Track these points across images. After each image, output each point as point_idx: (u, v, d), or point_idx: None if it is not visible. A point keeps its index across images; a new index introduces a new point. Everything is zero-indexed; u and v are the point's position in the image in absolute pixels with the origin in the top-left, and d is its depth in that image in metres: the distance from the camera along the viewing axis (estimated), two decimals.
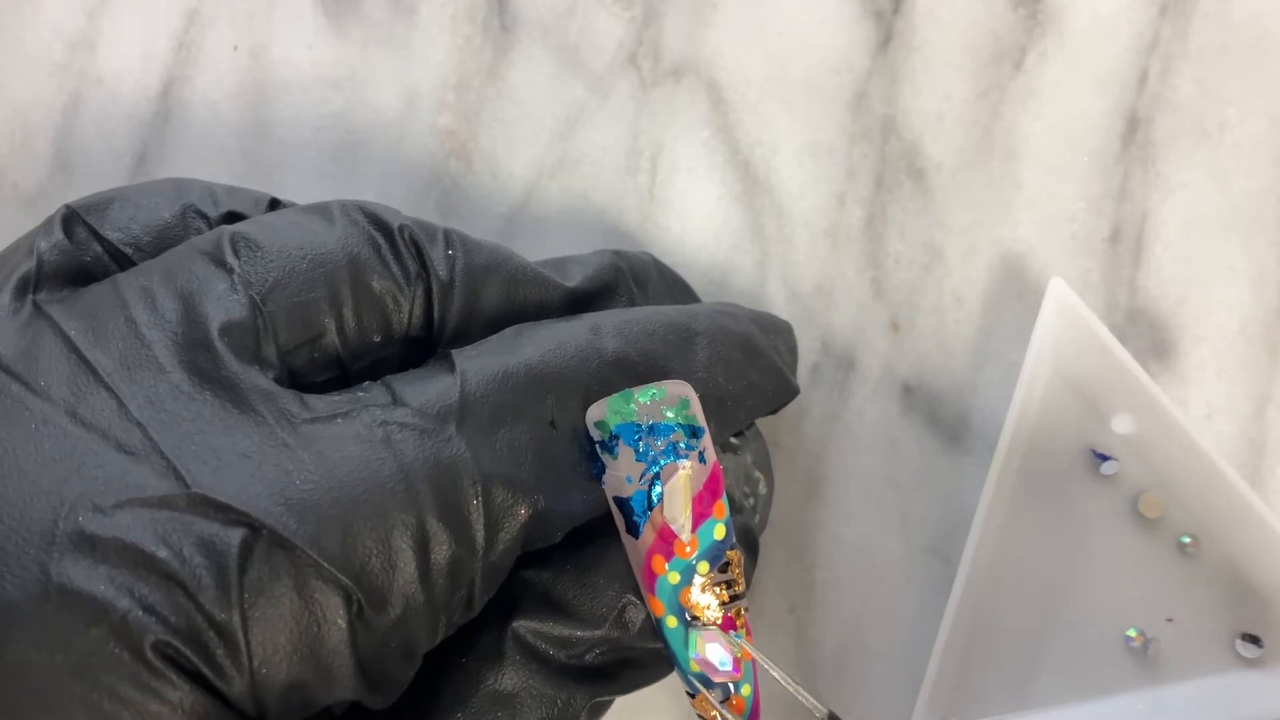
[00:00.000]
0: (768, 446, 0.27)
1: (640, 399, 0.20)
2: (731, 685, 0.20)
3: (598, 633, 0.20)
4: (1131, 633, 0.27)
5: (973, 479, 0.28)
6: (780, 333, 0.25)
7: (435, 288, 0.21)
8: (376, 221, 0.21)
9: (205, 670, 0.17)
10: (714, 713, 0.21)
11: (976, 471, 0.28)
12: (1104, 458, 0.27)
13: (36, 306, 0.19)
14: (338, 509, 0.18)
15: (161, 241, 0.21)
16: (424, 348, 0.22)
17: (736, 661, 0.20)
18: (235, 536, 0.17)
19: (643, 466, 0.20)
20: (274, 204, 0.23)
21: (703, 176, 0.29)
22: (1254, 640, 0.27)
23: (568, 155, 0.29)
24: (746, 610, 0.21)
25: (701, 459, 0.20)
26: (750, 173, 0.29)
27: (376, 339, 0.21)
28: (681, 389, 0.21)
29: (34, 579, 0.17)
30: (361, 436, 0.18)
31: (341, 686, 0.18)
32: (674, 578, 0.20)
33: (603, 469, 0.20)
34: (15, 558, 0.17)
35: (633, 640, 0.21)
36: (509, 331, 0.21)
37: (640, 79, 0.29)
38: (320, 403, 0.19)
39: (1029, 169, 0.29)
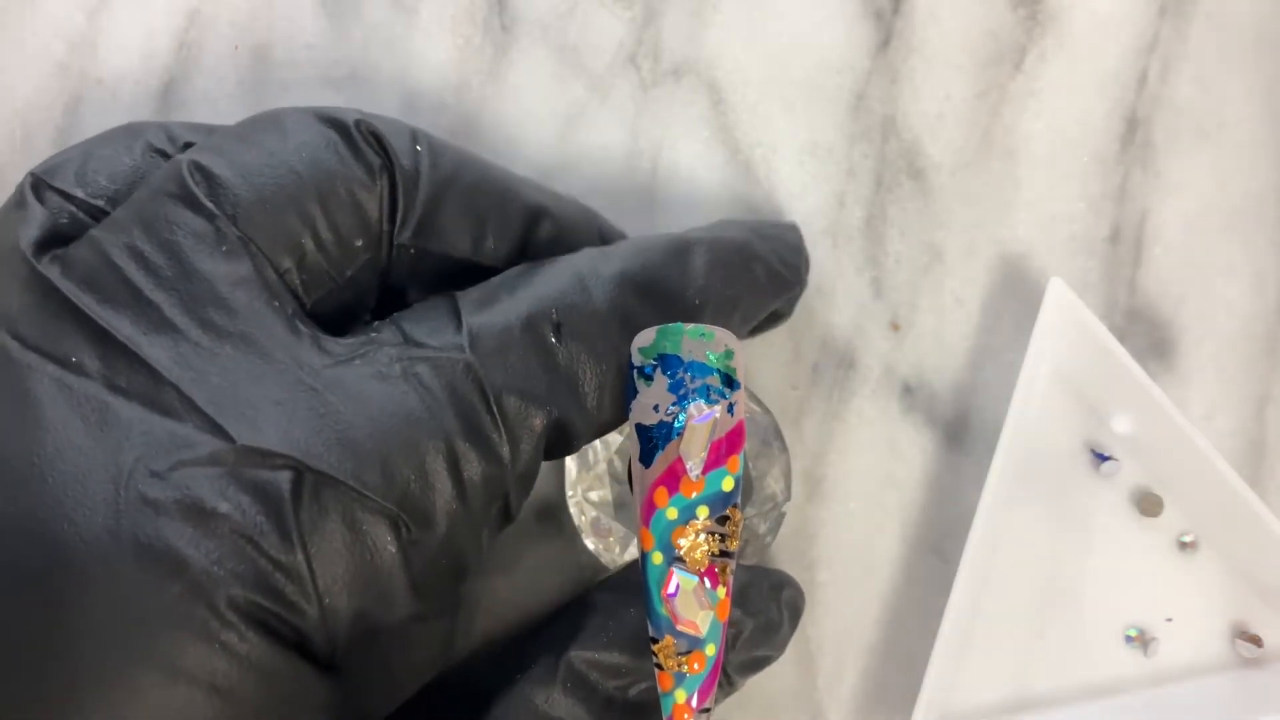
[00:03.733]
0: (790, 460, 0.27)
1: (689, 335, 0.21)
2: (698, 640, 0.20)
3: (649, 665, 0.21)
4: (1131, 632, 0.27)
5: (973, 479, 0.28)
6: (779, 233, 0.26)
7: (399, 177, 0.21)
8: (330, 121, 0.21)
9: (280, 610, 0.18)
10: (671, 662, 0.20)
11: (976, 471, 0.28)
12: (1104, 458, 0.27)
13: (43, 282, 0.19)
14: (373, 443, 0.19)
15: (132, 189, 0.21)
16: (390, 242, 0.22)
17: (707, 617, 0.20)
18: (284, 480, 0.18)
19: (672, 399, 0.20)
20: None
21: (703, 177, 0.29)
22: (1254, 640, 0.27)
23: (568, 155, 0.29)
24: (733, 574, 0.21)
25: (730, 411, 0.20)
26: (750, 173, 0.29)
27: (359, 243, 0.21)
28: (729, 339, 0.21)
29: (106, 545, 0.17)
30: (382, 374, 0.19)
31: (400, 607, 0.19)
32: (672, 513, 0.20)
33: (634, 394, 0.20)
34: (85, 527, 0.17)
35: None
36: (510, 271, 0.22)
37: (640, 79, 0.29)
38: (337, 346, 0.20)
39: (1029, 169, 0.29)
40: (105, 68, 0.30)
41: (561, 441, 0.21)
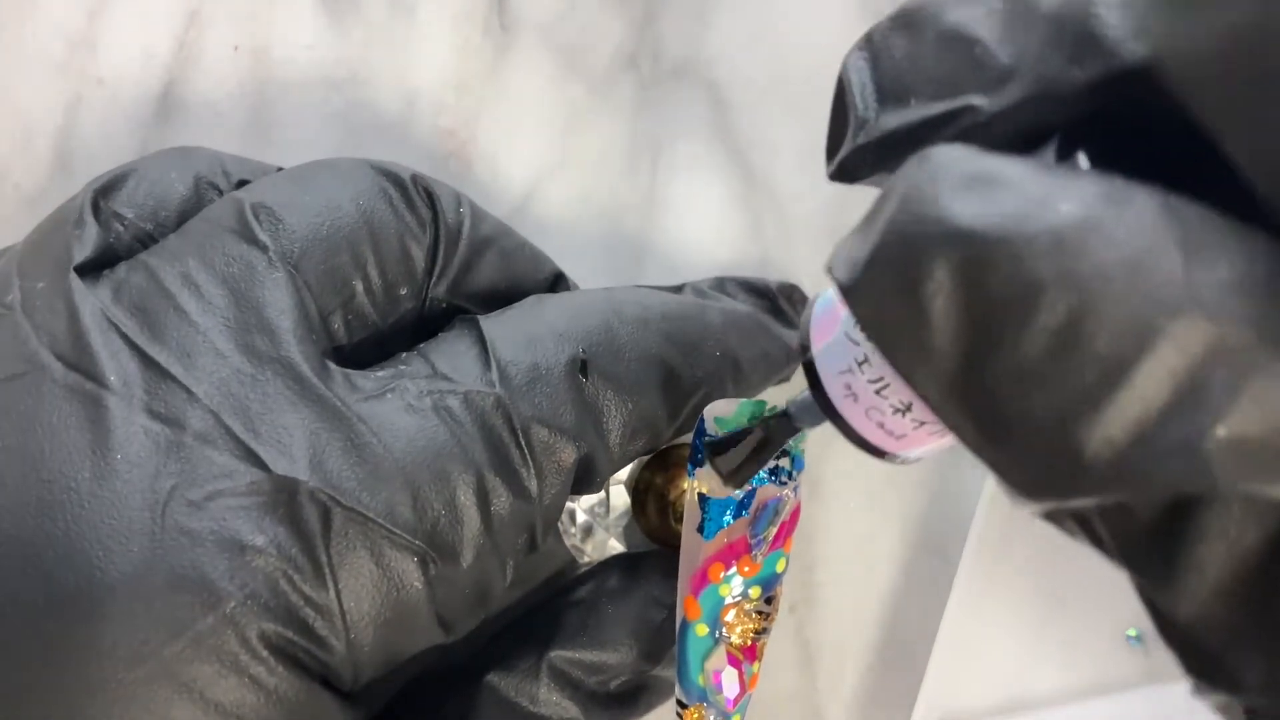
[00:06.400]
0: None
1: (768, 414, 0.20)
2: (724, 715, 0.21)
3: (627, 661, 0.22)
4: (1132, 632, 0.27)
5: (973, 479, 0.28)
6: (786, 293, 0.26)
7: (443, 231, 0.22)
8: (386, 173, 0.22)
9: (310, 645, 0.18)
10: None
11: (976, 471, 0.28)
12: None
13: (88, 302, 0.19)
14: (403, 477, 0.19)
15: (182, 218, 0.22)
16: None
17: (741, 692, 0.21)
18: (317, 515, 0.18)
19: None
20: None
21: (703, 177, 0.29)
22: None
23: (568, 155, 0.29)
24: (764, 649, 0.21)
25: (795, 492, 0.20)
26: (750, 173, 0.29)
27: (403, 291, 0.22)
28: None
29: (141, 573, 0.17)
30: (413, 408, 0.20)
31: (423, 637, 0.20)
32: (725, 590, 0.20)
33: (701, 462, 0.20)
34: (121, 554, 0.17)
35: (657, 669, 0.22)
36: (529, 300, 0.22)
37: (640, 79, 0.29)
38: (367, 381, 0.20)
39: None
40: (105, 68, 0.30)
41: (585, 477, 0.21)
